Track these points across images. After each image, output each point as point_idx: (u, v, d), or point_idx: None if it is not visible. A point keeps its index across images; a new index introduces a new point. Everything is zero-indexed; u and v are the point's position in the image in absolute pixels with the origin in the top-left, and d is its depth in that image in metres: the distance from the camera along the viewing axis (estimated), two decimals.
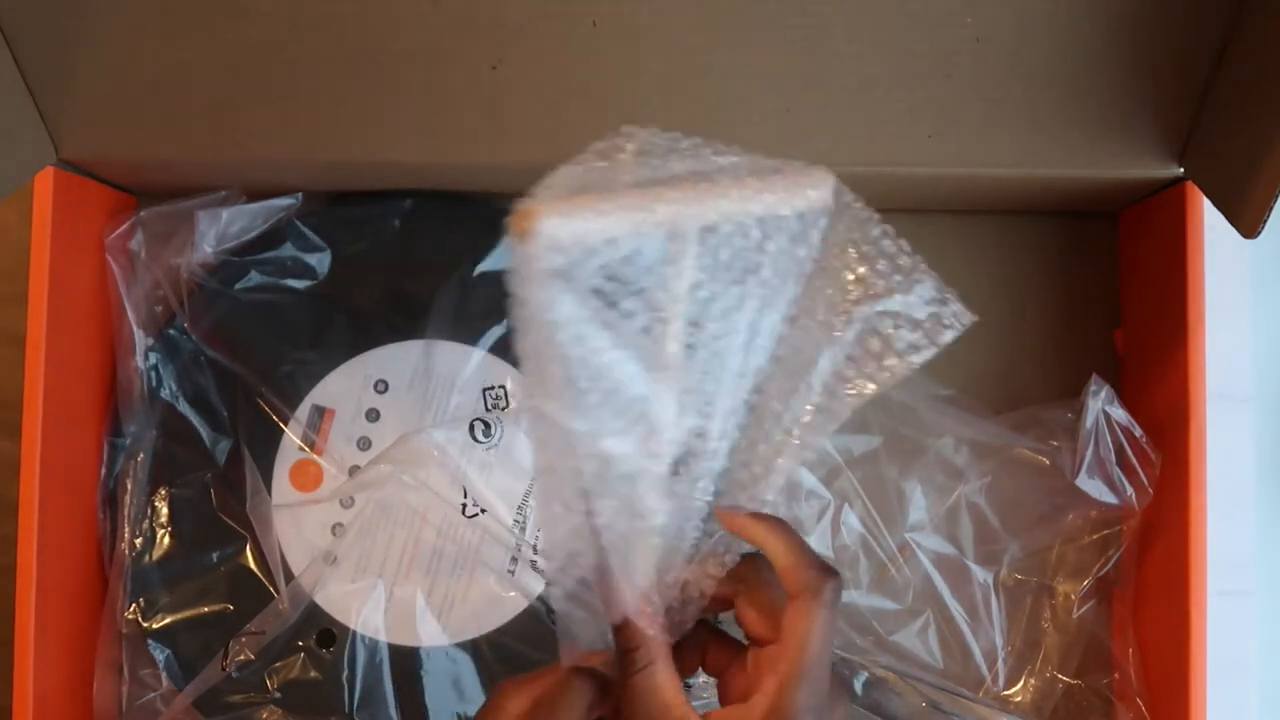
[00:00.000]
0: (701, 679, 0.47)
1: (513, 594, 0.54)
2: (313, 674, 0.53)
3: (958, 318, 0.35)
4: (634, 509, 0.35)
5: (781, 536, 0.35)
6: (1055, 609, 0.55)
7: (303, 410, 0.54)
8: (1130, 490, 0.53)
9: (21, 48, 0.47)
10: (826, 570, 0.35)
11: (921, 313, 0.35)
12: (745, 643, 0.38)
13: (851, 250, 0.35)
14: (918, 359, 0.35)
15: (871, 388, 0.35)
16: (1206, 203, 0.48)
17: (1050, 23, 0.47)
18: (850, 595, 0.55)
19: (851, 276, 0.35)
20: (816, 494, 0.55)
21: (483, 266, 0.55)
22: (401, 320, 0.55)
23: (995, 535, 0.55)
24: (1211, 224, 0.48)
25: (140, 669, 0.55)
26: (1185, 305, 0.50)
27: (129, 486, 0.54)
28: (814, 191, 0.34)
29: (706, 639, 0.38)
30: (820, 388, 0.35)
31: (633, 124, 0.47)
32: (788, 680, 0.34)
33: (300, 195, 0.55)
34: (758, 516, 0.36)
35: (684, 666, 0.37)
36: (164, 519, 0.54)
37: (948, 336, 0.35)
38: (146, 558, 0.54)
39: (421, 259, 0.55)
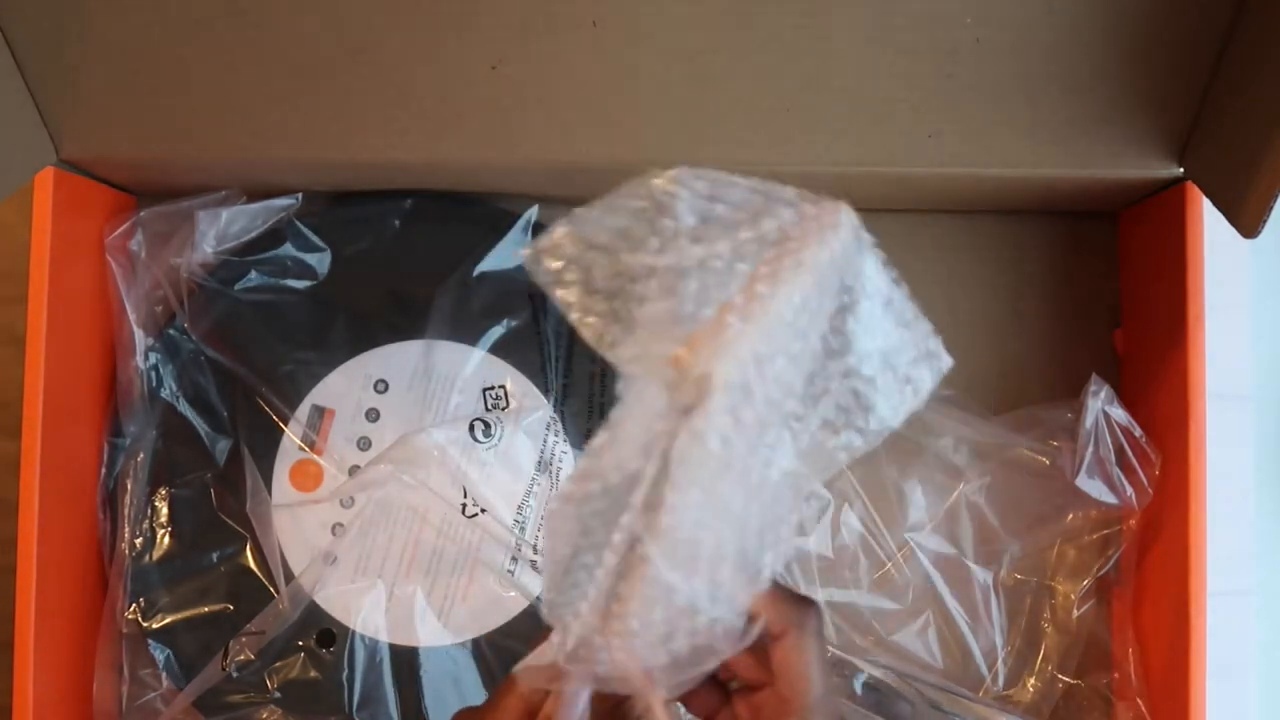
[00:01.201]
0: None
1: (513, 594, 0.54)
2: (313, 674, 0.53)
3: (940, 365, 0.33)
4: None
5: None
6: (1055, 609, 0.55)
7: (303, 410, 0.54)
8: (1130, 490, 0.53)
9: (21, 48, 0.47)
10: (804, 601, 0.34)
11: (909, 363, 0.33)
12: (732, 686, 0.37)
13: (856, 293, 0.32)
14: (902, 413, 0.33)
15: (860, 443, 0.33)
16: (1206, 203, 0.48)
17: (1050, 22, 0.46)
18: (850, 595, 0.55)
19: (852, 323, 0.32)
20: (816, 494, 0.55)
21: (483, 266, 0.55)
22: (401, 320, 0.55)
23: (995, 535, 0.55)
24: (1211, 224, 0.48)
25: (140, 669, 0.55)
26: (1185, 305, 0.50)
27: (129, 486, 0.54)
28: (836, 232, 0.30)
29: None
30: (808, 441, 0.33)
31: (633, 124, 0.48)
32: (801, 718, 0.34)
33: (300, 195, 0.55)
34: None
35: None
36: (164, 519, 0.54)
37: (930, 385, 0.33)
38: (146, 558, 0.54)
39: (421, 259, 0.55)
